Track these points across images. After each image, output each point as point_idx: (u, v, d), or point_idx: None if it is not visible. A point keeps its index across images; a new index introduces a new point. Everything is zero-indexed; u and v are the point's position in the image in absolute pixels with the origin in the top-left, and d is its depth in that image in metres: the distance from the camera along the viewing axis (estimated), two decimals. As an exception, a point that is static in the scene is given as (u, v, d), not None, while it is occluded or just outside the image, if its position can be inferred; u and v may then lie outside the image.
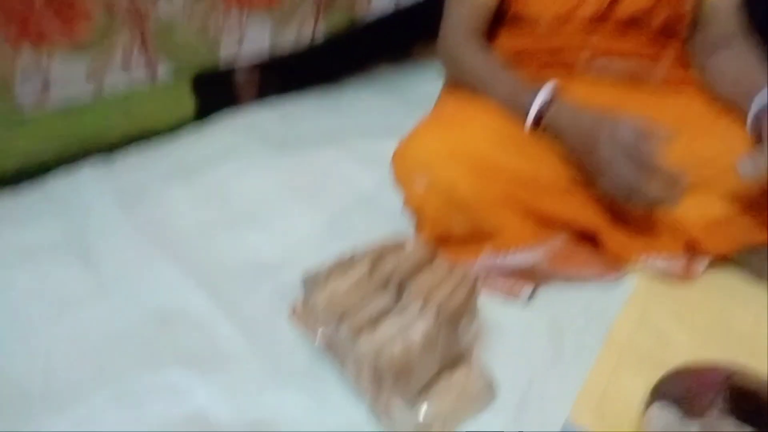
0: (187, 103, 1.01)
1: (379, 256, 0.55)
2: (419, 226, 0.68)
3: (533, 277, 0.67)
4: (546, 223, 0.66)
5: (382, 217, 0.78)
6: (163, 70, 0.85)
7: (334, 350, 0.53)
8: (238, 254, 0.72)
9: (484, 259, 0.65)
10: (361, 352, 0.47)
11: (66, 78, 0.76)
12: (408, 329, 0.47)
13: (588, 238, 0.71)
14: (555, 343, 0.62)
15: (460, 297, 0.51)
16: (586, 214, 0.68)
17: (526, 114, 0.62)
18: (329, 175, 0.87)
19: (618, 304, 0.67)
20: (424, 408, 0.49)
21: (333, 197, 0.82)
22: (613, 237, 0.69)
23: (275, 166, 0.88)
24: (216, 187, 0.83)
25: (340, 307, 0.51)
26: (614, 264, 0.71)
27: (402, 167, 0.65)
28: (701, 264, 0.71)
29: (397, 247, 0.57)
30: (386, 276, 0.53)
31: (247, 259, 0.71)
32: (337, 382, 0.56)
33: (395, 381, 0.46)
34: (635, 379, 0.58)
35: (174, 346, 0.59)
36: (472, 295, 0.52)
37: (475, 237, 0.65)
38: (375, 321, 0.49)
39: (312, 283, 0.55)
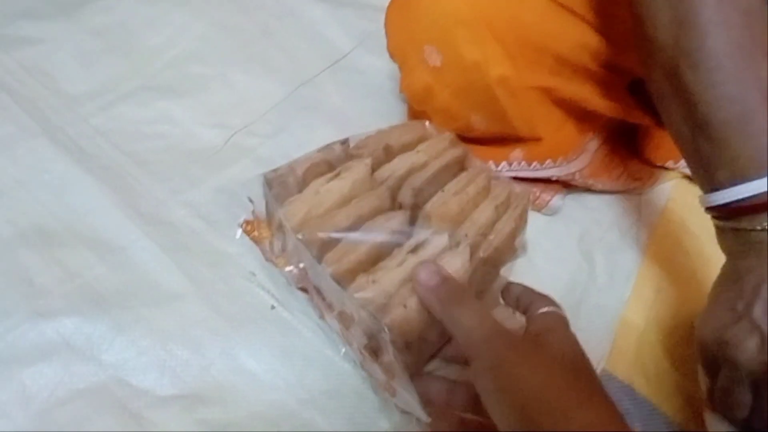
0: None
1: (385, 150, 0.36)
2: (423, 118, 0.49)
3: (562, 185, 0.52)
4: (587, 122, 0.49)
5: (366, 90, 0.57)
6: None
7: (310, 291, 0.36)
8: (156, 135, 0.49)
9: (511, 165, 0.48)
10: (353, 306, 0.31)
11: None
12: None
13: (622, 143, 0.57)
14: (587, 264, 0.49)
15: (507, 227, 0.34)
16: (634, 110, 0.52)
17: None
18: (285, 21, 0.61)
19: (654, 215, 0.55)
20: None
21: (292, 55, 0.59)
22: (656, 139, 0.54)
23: (207, 4, 0.60)
24: (117, 30, 0.56)
25: (322, 228, 0.33)
26: (650, 172, 0.57)
27: (403, 30, 0.43)
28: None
29: (412, 136, 0.38)
30: (396, 183, 0.35)
31: (170, 142, 0.49)
32: (316, 330, 0.40)
33: (403, 350, 0.30)
34: (680, 310, 0.48)
35: (65, 280, 0.39)
36: (522, 223, 0.35)
37: (499, 139, 0.47)
38: (376, 255, 0.32)
39: (279, 184, 0.36)
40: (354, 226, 0.33)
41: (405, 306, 0.30)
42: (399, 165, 0.36)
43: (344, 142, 0.37)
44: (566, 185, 0.51)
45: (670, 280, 0.51)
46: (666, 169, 0.58)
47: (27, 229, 0.41)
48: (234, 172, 0.48)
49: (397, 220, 0.34)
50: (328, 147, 0.37)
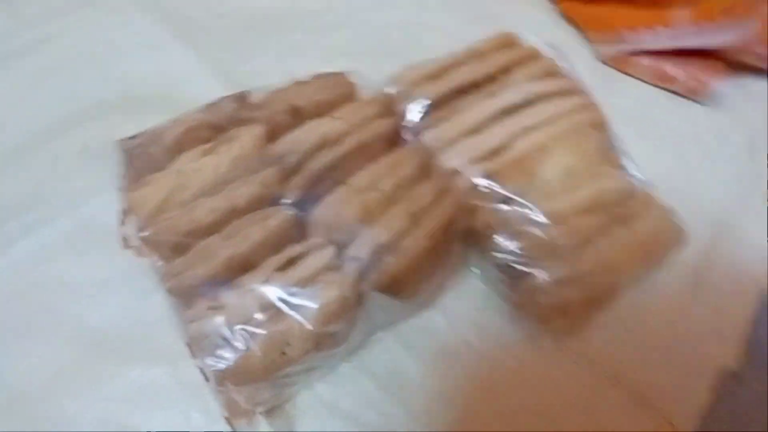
0: None
1: (292, 112, 0.26)
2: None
3: (726, 65, 0.42)
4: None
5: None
6: None
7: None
8: None
9: (669, 30, 0.38)
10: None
11: None
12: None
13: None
14: (754, 160, 0.40)
15: (416, 245, 0.25)
16: None
17: None
18: None
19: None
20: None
21: None
22: None
23: None
24: None
25: (176, 227, 0.24)
26: None
27: None
28: None
29: (330, 94, 0.27)
30: (298, 161, 0.25)
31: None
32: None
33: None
34: None
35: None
36: (449, 250, 0.26)
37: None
38: (239, 266, 0.23)
39: (140, 156, 0.26)
40: (219, 224, 0.23)
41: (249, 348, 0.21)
42: (305, 136, 0.25)
43: (241, 97, 0.27)
44: (733, 65, 0.41)
45: None
46: None
47: (117, 96, 0.39)
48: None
49: (278, 219, 0.23)
50: (215, 104, 0.26)
